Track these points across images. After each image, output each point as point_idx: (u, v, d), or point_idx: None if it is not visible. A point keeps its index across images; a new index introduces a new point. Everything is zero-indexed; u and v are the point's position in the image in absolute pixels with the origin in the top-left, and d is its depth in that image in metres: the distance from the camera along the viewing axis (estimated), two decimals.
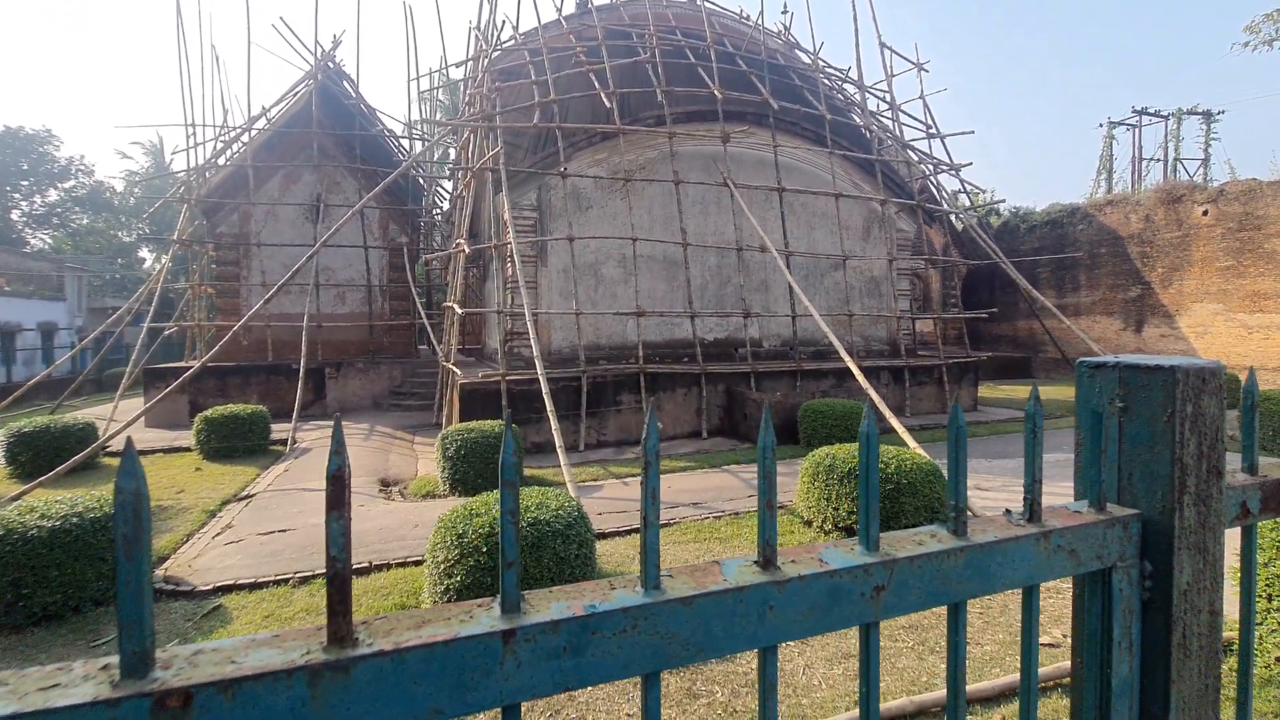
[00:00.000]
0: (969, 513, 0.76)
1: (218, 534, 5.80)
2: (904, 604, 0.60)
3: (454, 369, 10.53)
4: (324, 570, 4.05)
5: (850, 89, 16.17)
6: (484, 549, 3.94)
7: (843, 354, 8.31)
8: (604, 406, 10.02)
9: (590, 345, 10.75)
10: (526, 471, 7.74)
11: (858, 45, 14.76)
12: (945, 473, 5.87)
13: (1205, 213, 15.22)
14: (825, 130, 12.85)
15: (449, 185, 20.16)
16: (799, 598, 0.56)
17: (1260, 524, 3.02)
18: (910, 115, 16.03)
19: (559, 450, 6.55)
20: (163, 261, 17.04)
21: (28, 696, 0.42)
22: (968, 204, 19.45)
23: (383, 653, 0.46)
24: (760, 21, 15.55)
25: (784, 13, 18.31)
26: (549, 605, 0.53)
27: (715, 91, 11.69)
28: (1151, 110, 26.40)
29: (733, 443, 9.84)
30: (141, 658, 0.44)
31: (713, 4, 15.78)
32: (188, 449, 9.71)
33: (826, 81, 15.64)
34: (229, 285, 14.86)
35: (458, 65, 17.42)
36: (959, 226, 19.22)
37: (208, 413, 9.52)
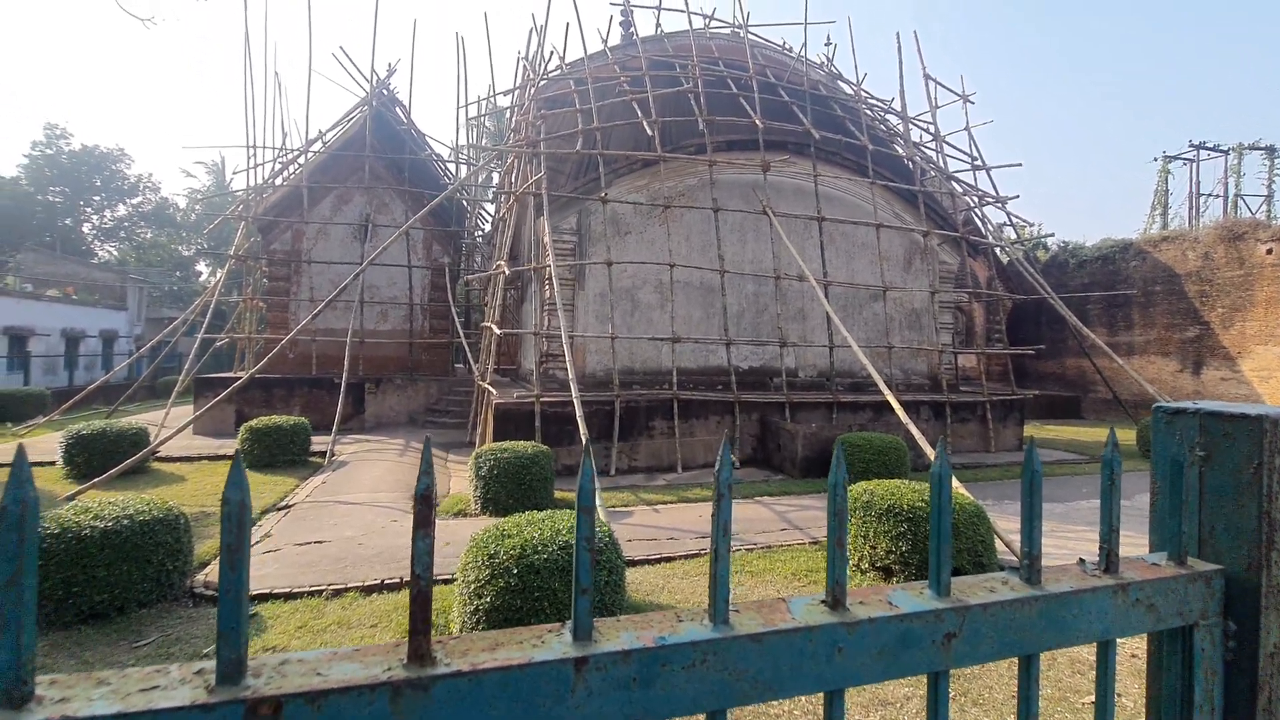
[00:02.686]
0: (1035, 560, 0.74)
1: (256, 542, 5.94)
2: (977, 653, 0.58)
3: (489, 388, 10.68)
4: (356, 584, 4.09)
5: (894, 120, 16.11)
6: (515, 570, 3.94)
7: (881, 386, 8.16)
8: (636, 432, 10.01)
9: (624, 370, 10.79)
10: (556, 494, 7.75)
11: (901, 77, 14.75)
12: (990, 515, 5.67)
13: (1269, 251, 14.59)
14: (867, 160, 12.81)
15: (491, 208, 20.70)
16: (869, 641, 0.55)
17: None
18: (955, 147, 15.90)
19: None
20: (218, 275, 17.82)
21: (130, 697, 0.44)
22: (1014, 237, 19.07)
23: (460, 673, 0.47)
24: (803, 53, 15.70)
25: (827, 44, 18.55)
26: (619, 634, 0.53)
27: (756, 121, 11.80)
28: (1210, 145, 25.60)
29: (765, 473, 9.70)
30: (237, 665, 0.46)
31: (755, 36, 16.00)
32: (230, 457, 10.02)
33: (869, 112, 15.64)
34: (279, 300, 15.44)
35: (505, 94, 18.00)
36: (1004, 260, 18.82)
37: (252, 422, 9.82)
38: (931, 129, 15.55)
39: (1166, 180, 26.20)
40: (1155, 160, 26.57)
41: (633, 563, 5.42)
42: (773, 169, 12.07)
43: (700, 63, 13.05)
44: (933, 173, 14.96)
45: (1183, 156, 25.69)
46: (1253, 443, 0.69)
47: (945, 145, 15.54)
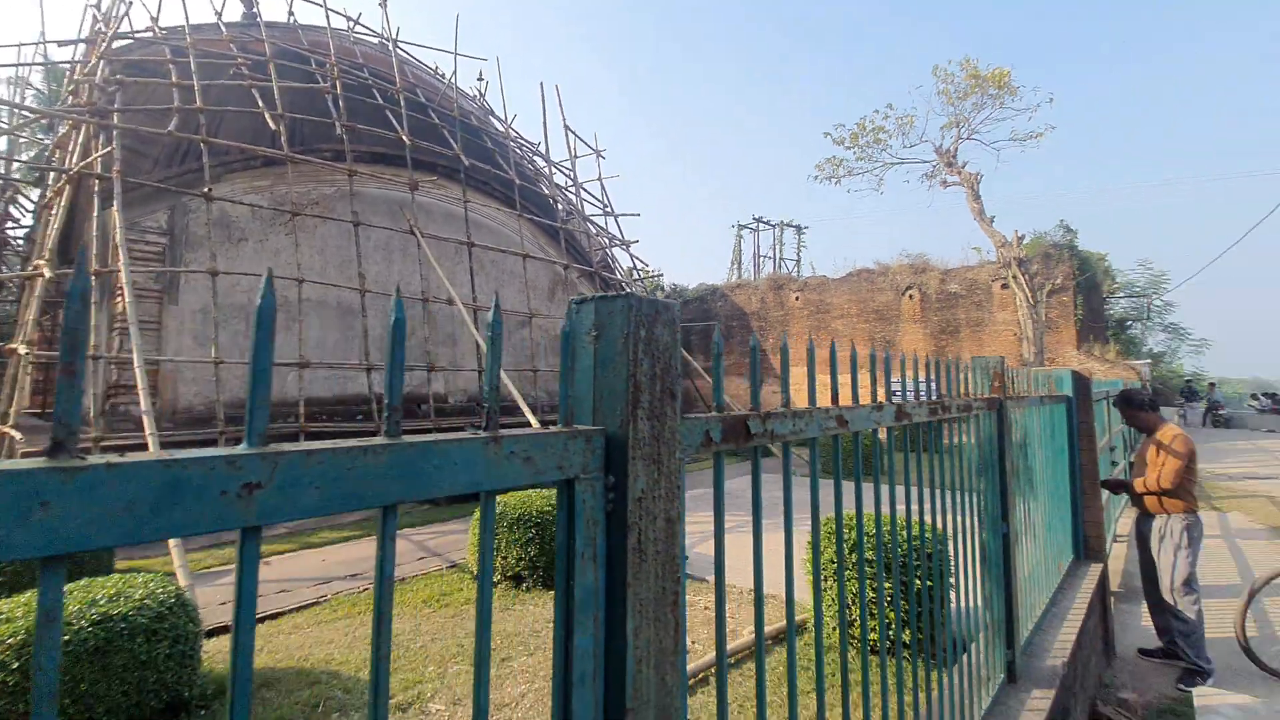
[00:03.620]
0: None
1: None
2: (296, 506, 0.50)
3: (12, 434, 7.73)
4: None
5: (540, 161, 17.40)
6: (14, 665, 2.87)
7: (524, 409, 8.49)
8: None
9: (235, 402, 8.96)
10: (129, 563, 5.94)
11: (545, 124, 16.04)
12: None
13: (797, 298, 20.13)
14: (515, 194, 13.48)
15: (37, 194, 15.30)
16: (105, 493, 0.42)
17: (824, 524, 3.81)
18: (590, 193, 17.93)
19: None
20: None
21: None
22: (638, 278, 22.36)
23: None
24: (454, 81, 15.83)
25: (479, 79, 19.06)
26: None
27: (404, 137, 11.38)
28: (765, 219, 34.50)
29: (408, 505, 9.12)
30: None
31: (404, 53, 15.57)
32: None
33: (518, 150, 16.60)
34: None
35: (63, 44, 13.67)
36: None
37: None
38: (571, 174, 17.24)
39: (740, 243, 34.29)
40: (733, 227, 34.57)
41: (223, 629, 4.43)
42: (423, 190, 11.76)
43: (342, 65, 12.02)
44: (573, 214, 16.57)
45: (749, 226, 34.02)
46: (625, 318, 0.79)
47: (583, 190, 17.41)
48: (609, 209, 18.16)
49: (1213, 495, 9.34)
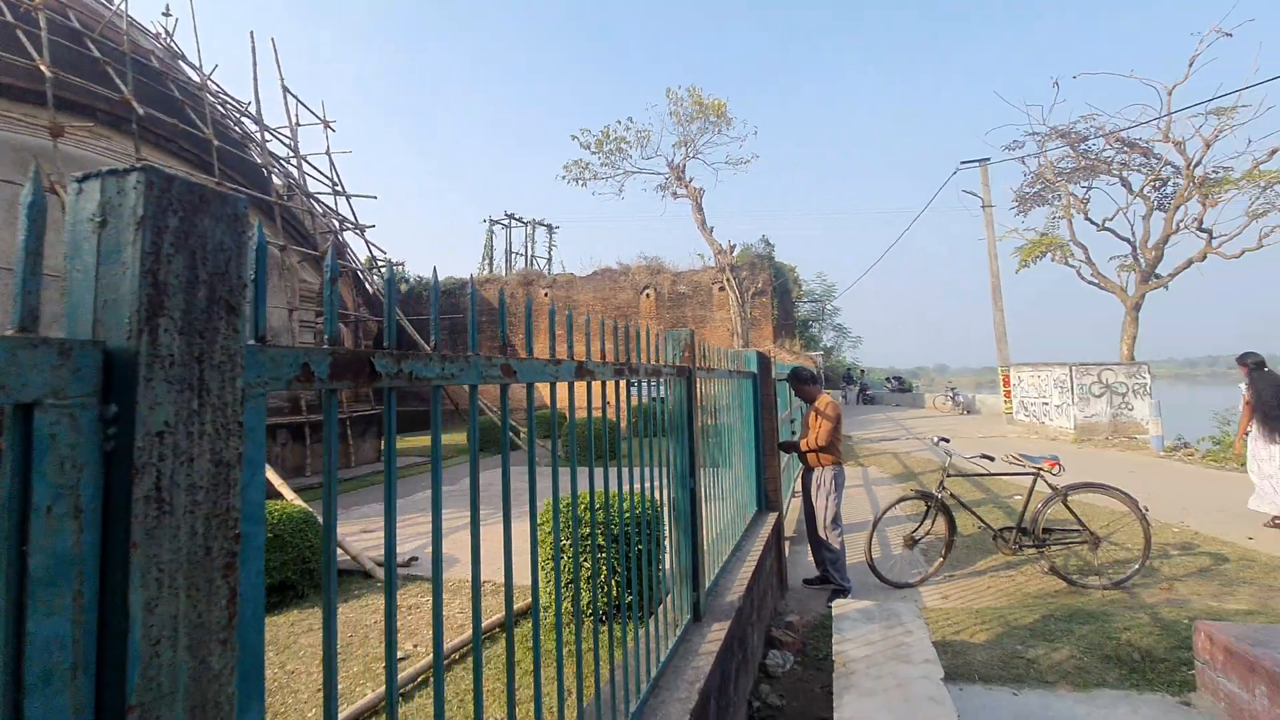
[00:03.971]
0: None
1: None
2: None
3: None
4: None
5: (250, 124, 14.82)
6: None
7: None
8: None
9: None
10: None
11: (256, 80, 13.73)
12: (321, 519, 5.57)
13: (546, 294, 20.45)
14: (212, 157, 11.24)
15: None
16: None
17: (543, 509, 3.83)
18: (316, 168, 15.86)
19: None
20: None
21: None
22: (378, 266, 20.48)
23: None
24: (125, 8, 12.62)
25: (166, 15, 15.47)
26: None
27: (43, 66, 8.68)
28: (518, 216, 34.42)
29: None
30: None
31: None
32: None
33: (220, 109, 13.91)
34: None
35: None
36: (370, 289, 19.97)
37: None
38: (292, 144, 15.05)
39: (492, 238, 33.70)
40: (484, 222, 33.82)
41: None
42: (72, 137, 9.11)
43: None
44: (295, 190, 14.46)
45: (501, 222, 33.63)
46: (144, 201, 0.60)
47: (306, 163, 15.32)
48: (339, 188, 16.28)
49: (859, 455, 11.91)
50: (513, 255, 33.01)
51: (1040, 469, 4.90)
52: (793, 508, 7.01)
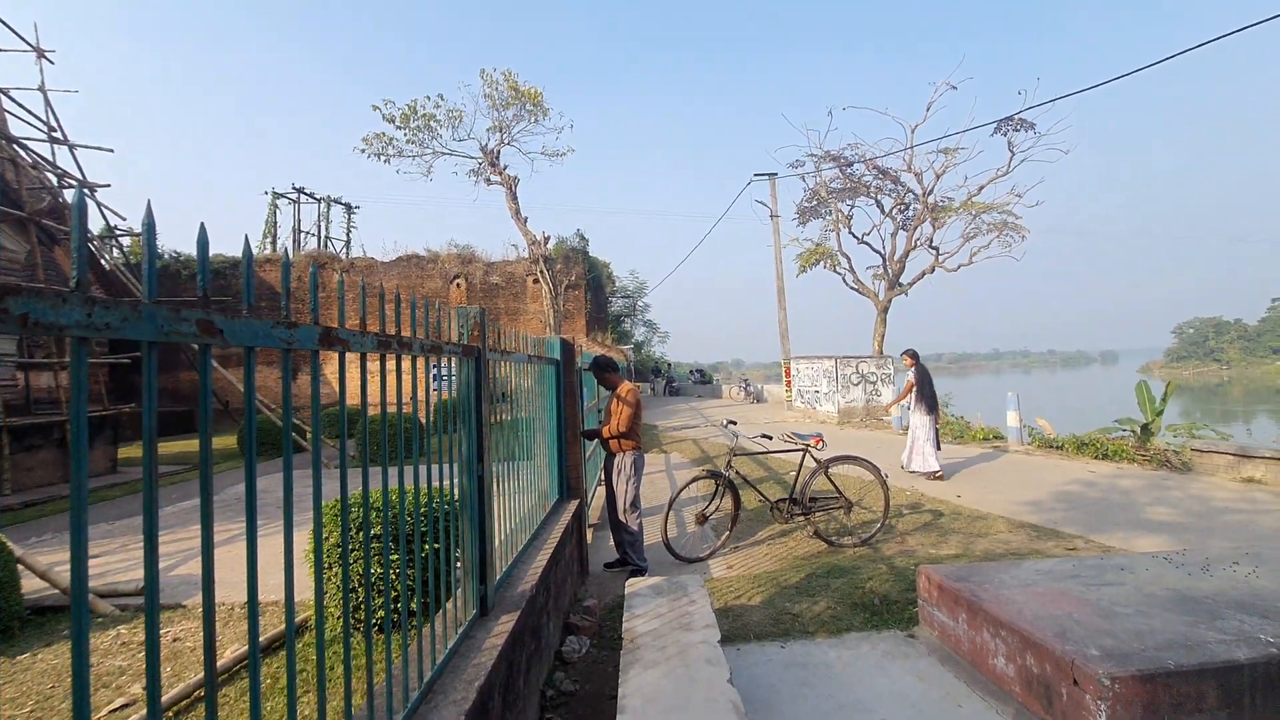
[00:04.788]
0: None
1: None
2: None
3: None
4: None
5: None
6: None
7: None
8: None
9: None
10: None
11: None
12: (26, 550, 4.43)
13: (340, 280, 18.50)
14: None
15: None
16: None
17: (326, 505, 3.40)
18: (22, 106, 12.59)
19: None
20: None
21: None
22: (124, 239, 16.82)
23: None
24: None
25: None
26: None
27: None
28: (308, 191, 30.64)
29: None
30: None
31: None
32: None
33: None
34: None
35: None
36: (106, 265, 16.37)
37: None
38: None
39: (275, 213, 29.64)
40: (266, 194, 29.63)
41: None
42: None
43: None
44: None
45: (287, 197, 29.73)
46: None
47: (6, 99, 12.08)
48: (59, 135, 13.11)
49: (662, 442, 12.59)
50: (303, 235, 29.44)
51: (808, 445, 5.54)
52: (598, 495, 7.14)
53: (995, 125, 19.24)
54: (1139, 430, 10.05)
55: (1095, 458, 9.14)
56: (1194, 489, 7.13)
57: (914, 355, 8.56)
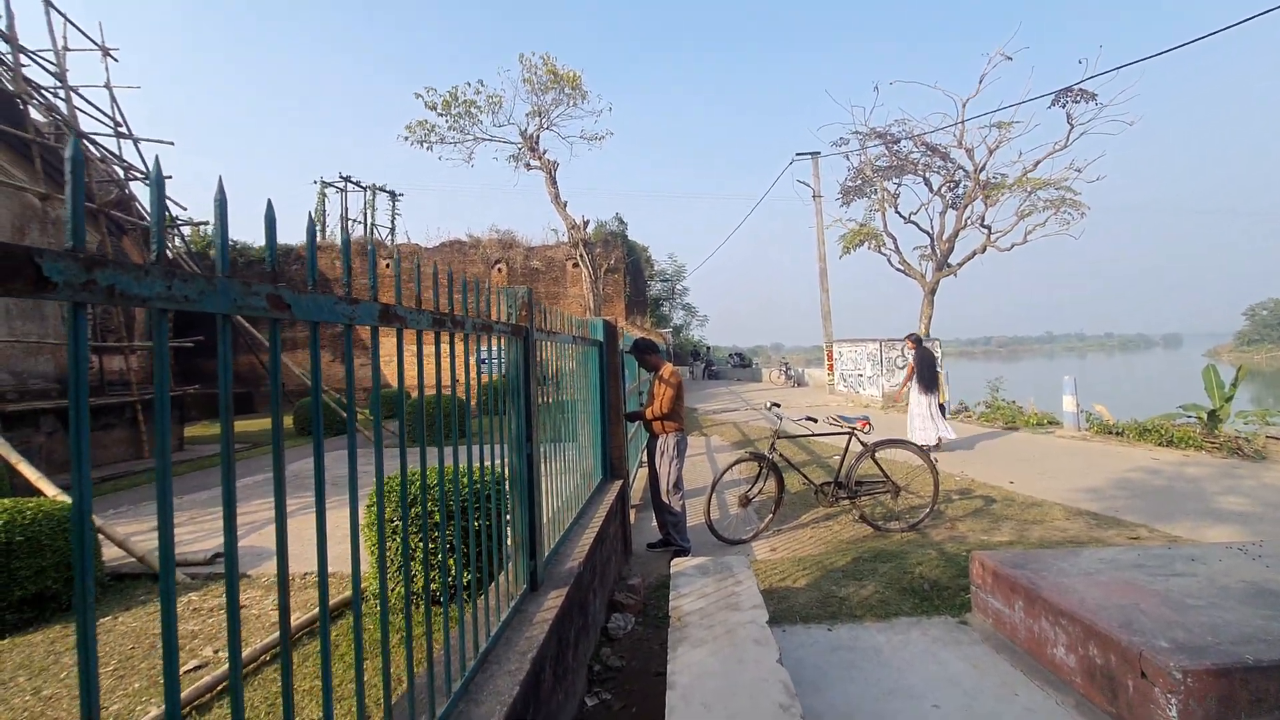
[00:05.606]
0: None
1: None
2: None
3: None
4: None
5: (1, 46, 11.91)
6: None
7: None
8: None
9: None
10: None
11: None
12: (110, 522, 4.72)
13: (387, 265, 18.96)
14: None
15: None
16: None
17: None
18: (92, 104, 13.20)
19: None
20: None
21: None
22: (181, 225, 17.59)
23: None
24: None
25: None
26: None
27: None
28: (354, 180, 31.38)
29: None
30: None
31: None
32: None
33: None
34: None
35: None
36: (170, 253, 17.16)
37: None
38: (55, 69, 12.38)
39: (324, 202, 30.48)
40: (315, 183, 30.47)
41: None
42: None
43: None
44: (61, 129, 11.91)
45: (335, 185, 30.52)
46: None
47: (77, 96, 12.69)
48: (124, 129, 13.71)
49: (703, 425, 12.56)
50: (350, 223, 30.20)
51: (854, 429, 5.44)
52: (640, 477, 7.18)
53: (1053, 96, 18.28)
54: (1206, 417, 9.52)
55: (1158, 444, 8.71)
56: (1268, 478, 6.73)
57: (916, 339, 9.15)
